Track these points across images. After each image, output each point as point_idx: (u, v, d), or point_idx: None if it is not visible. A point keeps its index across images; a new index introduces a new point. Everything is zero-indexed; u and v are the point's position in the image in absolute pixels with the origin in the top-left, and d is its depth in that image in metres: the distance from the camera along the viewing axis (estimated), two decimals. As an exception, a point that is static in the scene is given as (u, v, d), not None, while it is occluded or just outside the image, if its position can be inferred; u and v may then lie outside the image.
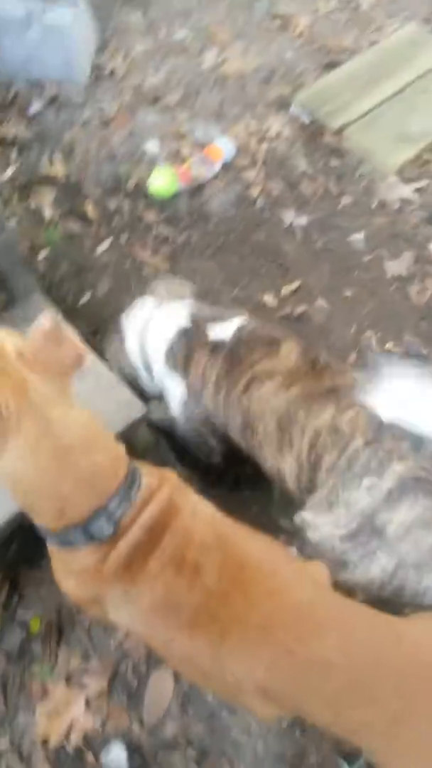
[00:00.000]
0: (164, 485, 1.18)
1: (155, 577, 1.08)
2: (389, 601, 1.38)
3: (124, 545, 1.09)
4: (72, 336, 1.18)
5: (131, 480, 1.13)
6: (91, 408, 1.57)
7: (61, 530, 1.10)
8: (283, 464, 1.52)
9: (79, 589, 1.16)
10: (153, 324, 1.73)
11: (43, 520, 1.11)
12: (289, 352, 1.57)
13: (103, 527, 1.08)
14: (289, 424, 1.47)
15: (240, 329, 1.64)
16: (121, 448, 1.18)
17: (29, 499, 1.10)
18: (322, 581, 1.23)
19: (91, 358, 1.66)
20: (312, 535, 1.44)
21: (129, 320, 1.80)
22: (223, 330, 1.64)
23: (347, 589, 1.64)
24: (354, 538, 1.35)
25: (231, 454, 1.79)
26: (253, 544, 1.18)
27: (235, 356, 1.59)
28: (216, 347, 1.62)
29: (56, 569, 1.20)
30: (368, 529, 1.32)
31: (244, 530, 1.21)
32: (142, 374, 1.82)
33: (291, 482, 1.53)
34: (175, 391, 1.72)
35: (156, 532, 1.11)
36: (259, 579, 1.11)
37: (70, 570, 1.15)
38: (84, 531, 1.08)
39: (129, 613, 1.12)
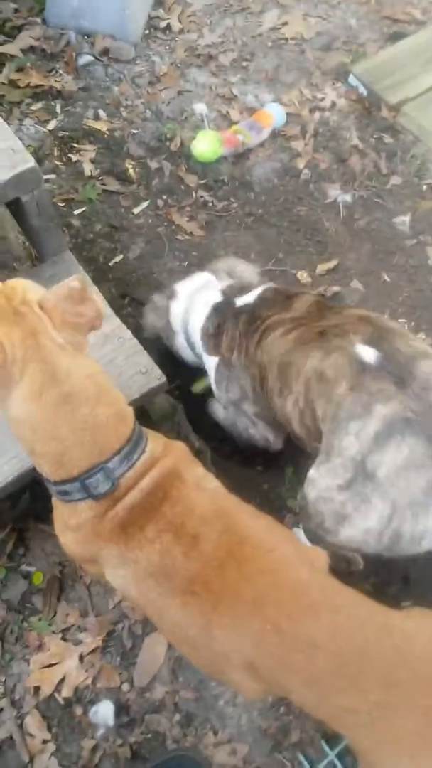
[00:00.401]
0: (170, 454, 1.18)
1: (152, 542, 1.10)
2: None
3: (121, 507, 1.11)
4: (96, 298, 1.18)
5: (135, 442, 1.14)
6: (111, 371, 1.58)
7: (60, 481, 1.11)
8: (286, 406, 1.52)
9: (77, 545, 1.18)
10: (194, 304, 1.79)
11: (44, 468, 1.13)
12: (302, 304, 1.59)
13: (100, 483, 1.09)
14: (288, 367, 1.48)
15: (263, 292, 1.68)
16: (128, 410, 1.18)
17: (32, 444, 1.12)
18: (319, 566, 1.22)
19: (115, 322, 1.66)
20: (311, 491, 1.41)
21: (181, 289, 1.87)
22: (249, 297, 1.69)
23: (348, 558, 1.63)
24: (351, 487, 1.32)
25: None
26: (254, 522, 1.18)
27: (253, 315, 1.63)
28: (240, 312, 1.67)
29: (57, 522, 1.22)
30: (361, 475, 1.30)
31: (248, 508, 1.21)
32: (181, 341, 1.89)
33: (297, 425, 1.52)
34: (210, 366, 1.77)
35: (156, 498, 1.12)
36: (257, 555, 1.11)
37: (68, 524, 1.17)
38: (81, 485, 1.09)
39: (124, 575, 1.14)
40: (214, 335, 1.73)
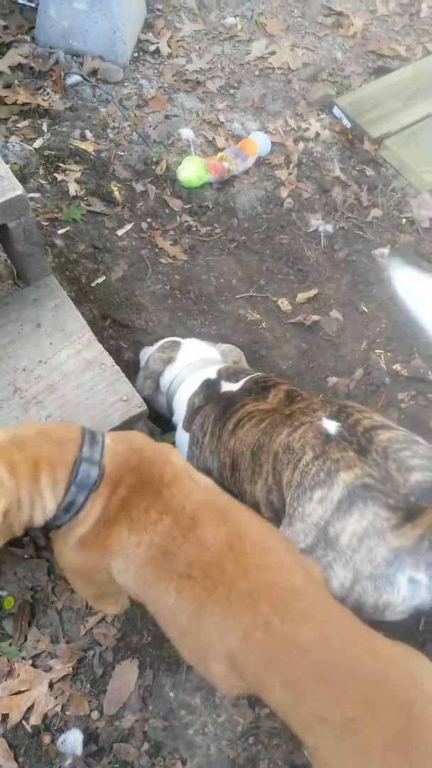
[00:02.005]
0: (156, 445, 1.27)
1: (154, 523, 1.14)
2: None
3: (121, 487, 1.17)
4: None
5: (90, 433, 1.23)
6: (92, 398, 1.59)
7: (62, 502, 1.17)
8: (255, 491, 1.56)
9: (84, 558, 1.22)
10: (189, 377, 1.88)
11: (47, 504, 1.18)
12: (275, 395, 1.67)
13: (90, 471, 1.16)
14: (259, 452, 1.54)
15: (245, 383, 1.75)
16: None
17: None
18: (316, 577, 1.25)
19: (98, 348, 1.67)
20: None
21: (181, 356, 1.95)
22: (235, 386, 1.76)
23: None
24: (312, 552, 1.35)
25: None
26: (254, 521, 1.23)
27: (230, 402, 1.70)
28: (221, 398, 1.75)
29: (61, 554, 1.26)
30: (323, 542, 1.33)
31: (246, 508, 1.27)
32: (161, 401, 1.97)
33: (263, 507, 1.56)
34: (182, 441, 1.84)
35: (153, 478, 1.19)
36: (255, 552, 1.15)
37: (74, 540, 1.21)
38: (76, 483, 1.16)
39: (128, 569, 1.18)
40: (194, 412, 1.80)
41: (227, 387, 1.77)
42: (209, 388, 1.79)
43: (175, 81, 2.90)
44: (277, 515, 1.50)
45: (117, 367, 1.63)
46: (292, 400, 1.62)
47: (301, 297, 2.42)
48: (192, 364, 1.89)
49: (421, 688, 1.06)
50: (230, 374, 1.82)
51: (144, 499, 1.16)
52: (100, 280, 2.34)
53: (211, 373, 1.83)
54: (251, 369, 1.94)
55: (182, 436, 1.83)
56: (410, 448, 1.37)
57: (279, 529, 1.42)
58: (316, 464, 1.36)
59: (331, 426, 1.42)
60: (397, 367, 2.28)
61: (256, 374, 1.79)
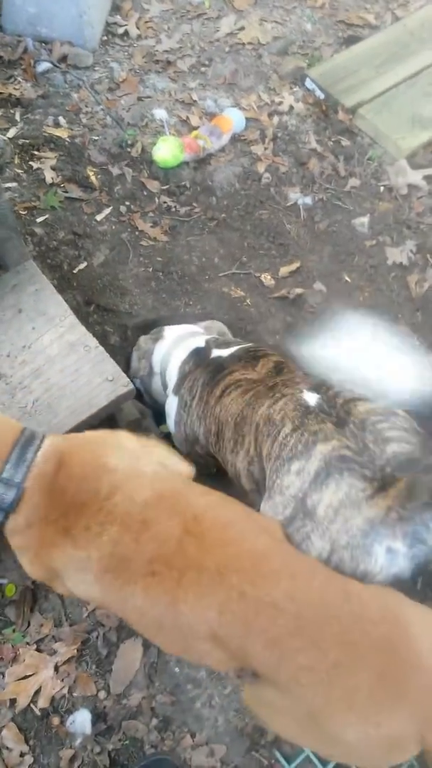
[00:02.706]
0: (84, 448, 1.21)
1: (99, 535, 1.12)
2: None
3: (51, 508, 1.13)
4: None
5: (23, 445, 1.16)
6: (77, 380, 1.59)
7: None
8: (237, 461, 1.56)
9: (33, 565, 1.20)
10: (178, 348, 1.87)
11: None
12: (264, 365, 1.66)
13: (4, 495, 1.12)
14: (242, 423, 1.54)
15: (237, 350, 1.74)
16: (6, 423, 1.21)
17: None
18: (277, 535, 1.26)
19: (81, 331, 1.66)
20: None
21: (168, 332, 1.94)
22: (225, 351, 1.76)
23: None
24: (291, 524, 1.36)
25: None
26: (206, 499, 1.22)
27: (218, 369, 1.70)
28: (210, 363, 1.74)
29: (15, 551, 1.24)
30: (301, 513, 1.33)
31: (196, 487, 1.25)
32: (157, 383, 1.96)
33: (244, 478, 1.56)
34: (171, 405, 1.83)
35: (88, 493, 1.14)
36: (215, 529, 1.16)
37: (19, 547, 1.19)
38: None
39: (84, 581, 1.16)
40: (184, 376, 1.80)
41: (217, 353, 1.77)
42: (199, 354, 1.79)
43: (145, 62, 2.87)
44: (258, 486, 1.51)
45: (101, 348, 1.63)
46: (279, 372, 1.62)
47: (284, 271, 2.41)
48: (180, 336, 1.90)
49: (398, 623, 1.10)
50: (220, 343, 1.83)
51: (82, 517, 1.13)
52: (82, 266, 2.33)
53: (200, 342, 1.84)
54: (240, 340, 1.95)
55: (172, 401, 1.83)
56: (388, 420, 1.37)
57: (261, 503, 1.44)
58: (295, 436, 1.37)
59: (311, 398, 1.42)
60: (383, 334, 2.29)
61: (247, 344, 1.80)
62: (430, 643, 1.09)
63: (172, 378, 1.85)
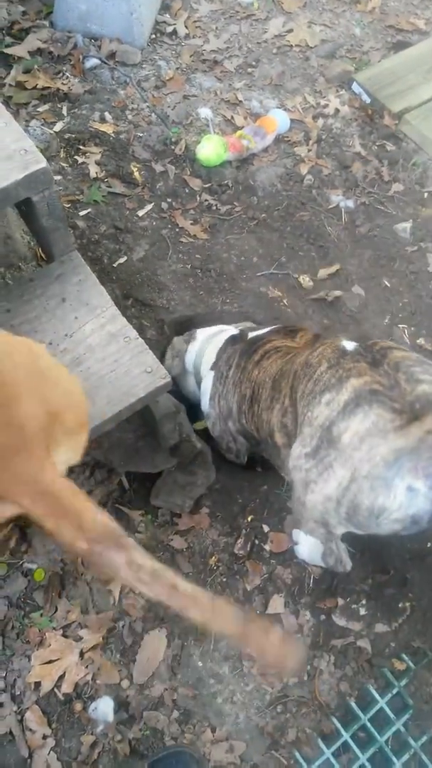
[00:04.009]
0: None
1: None
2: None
3: None
4: None
5: None
6: (116, 370, 1.60)
7: None
8: (272, 416, 1.59)
9: None
10: (210, 344, 1.95)
11: None
12: (302, 336, 1.71)
13: None
14: (280, 379, 1.58)
15: (274, 327, 1.81)
16: None
17: None
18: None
19: (122, 322, 1.68)
20: (288, 463, 1.49)
21: (200, 333, 2.02)
22: (260, 331, 1.83)
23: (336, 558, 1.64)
24: (316, 454, 1.37)
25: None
26: None
27: (256, 341, 1.76)
28: (247, 341, 1.81)
29: None
30: (326, 442, 1.34)
31: None
32: (191, 382, 2.02)
33: (278, 432, 1.58)
34: (207, 383, 1.88)
35: None
36: None
37: None
38: None
39: None
40: (221, 355, 1.87)
41: (253, 333, 1.83)
42: (234, 340, 1.86)
43: (192, 61, 2.89)
44: (290, 438, 1.53)
45: (141, 340, 1.63)
46: (318, 339, 1.66)
47: (323, 273, 2.41)
48: (212, 334, 1.96)
49: None
50: (253, 329, 1.89)
51: None
52: (121, 260, 2.36)
53: (234, 331, 1.91)
54: None
55: (208, 378, 1.89)
56: (422, 366, 1.38)
57: (292, 445, 1.47)
58: (329, 372, 1.40)
59: (349, 345, 1.46)
60: (420, 341, 2.27)
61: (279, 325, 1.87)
62: None
63: (209, 363, 1.90)
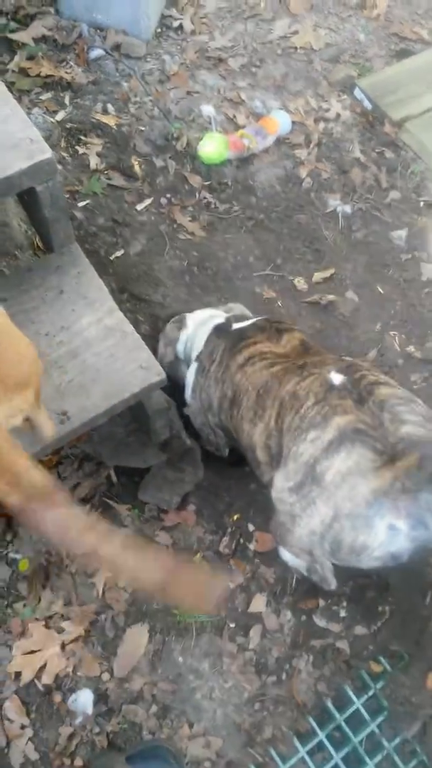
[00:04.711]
0: None
1: None
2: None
3: None
4: None
5: None
6: (112, 364, 1.61)
7: None
8: (255, 433, 1.60)
9: None
10: (200, 331, 1.92)
11: None
12: (289, 341, 1.71)
13: None
14: (266, 395, 1.58)
15: (257, 321, 1.81)
16: None
17: None
18: None
19: (119, 316, 1.68)
20: (271, 492, 1.52)
21: (190, 319, 1.99)
22: (244, 323, 1.82)
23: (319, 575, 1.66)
24: (299, 489, 1.40)
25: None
26: None
27: (242, 336, 1.75)
28: (231, 333, 1.80)
29: None
30: (310, 478, 1.37)
31: None
32: (183, 369, 1.99)
33: (261, 450, 1.60)
34: (190, 373, 1.88)
35: None
36: None
37: None
38: None
39: None
40: (206, 345, 1.86)
41: (237, 326, 1.82)
42: (220, 330, 1.85)
43: (197, 57, 2.89)
44: (273, 459, 1.55)
45: (137, 335, 1.64)
46: (307, 351, 1.67)
47: (318, 276, 2.42)
48: (202, 321, 1.94)
49: None
50: (238, 318, 1.88)
51: None
52: (118, 253, 2.35)
53: (220, 319, 1.90)
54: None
55: (191, 369, 1.89)
56: (407, 405, 1.41)
57: (278, 471, 1.48)
58: (315, 408, 1.42)
59: (336, 378, 1.47)
60: (410, 348, 2.29)
61: (264, 316, 1.86)
62: None
63: (198, 351, 1.90)
